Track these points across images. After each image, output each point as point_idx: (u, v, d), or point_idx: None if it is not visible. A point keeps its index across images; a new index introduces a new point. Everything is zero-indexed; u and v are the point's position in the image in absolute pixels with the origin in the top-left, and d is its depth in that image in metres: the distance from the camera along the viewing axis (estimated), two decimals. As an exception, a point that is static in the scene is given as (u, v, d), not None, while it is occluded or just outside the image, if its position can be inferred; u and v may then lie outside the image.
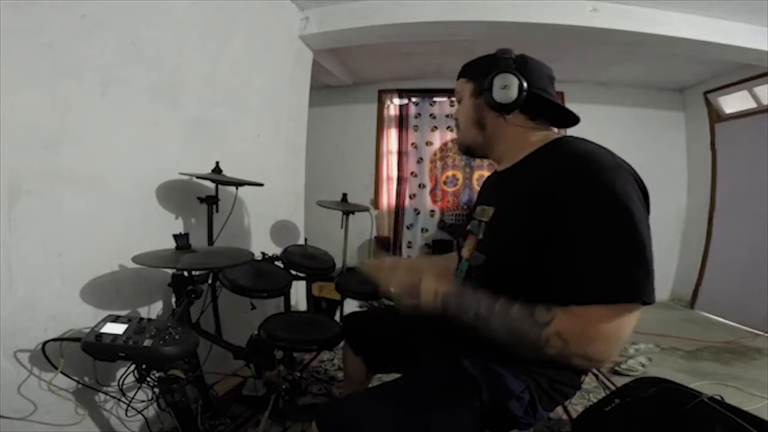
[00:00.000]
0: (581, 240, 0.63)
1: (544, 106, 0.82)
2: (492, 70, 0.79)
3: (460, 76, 0.91)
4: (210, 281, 1.39)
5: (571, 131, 0.89)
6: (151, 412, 1.16)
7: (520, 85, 0.77)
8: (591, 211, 0.63)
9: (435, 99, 3.87)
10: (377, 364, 1.10)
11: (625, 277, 0.60)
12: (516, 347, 0.67)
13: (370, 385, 1.14)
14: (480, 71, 0.83)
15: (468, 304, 0.71)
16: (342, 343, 1.20)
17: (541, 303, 0.68)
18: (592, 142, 0.73)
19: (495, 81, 0.78)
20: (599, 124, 3.49)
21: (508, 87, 0.77)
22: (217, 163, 1.43)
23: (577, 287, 0.62)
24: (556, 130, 0.89)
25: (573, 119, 0.86)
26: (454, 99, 0.92)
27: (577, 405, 1.63)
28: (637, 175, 0.68)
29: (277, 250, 1.74)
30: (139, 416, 1.09)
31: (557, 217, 0.66)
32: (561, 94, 3.65)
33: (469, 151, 0.92)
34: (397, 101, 3.96)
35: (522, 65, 0.80)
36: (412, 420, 0.71)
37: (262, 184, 1.59)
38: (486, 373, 0.75)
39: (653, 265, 0.61)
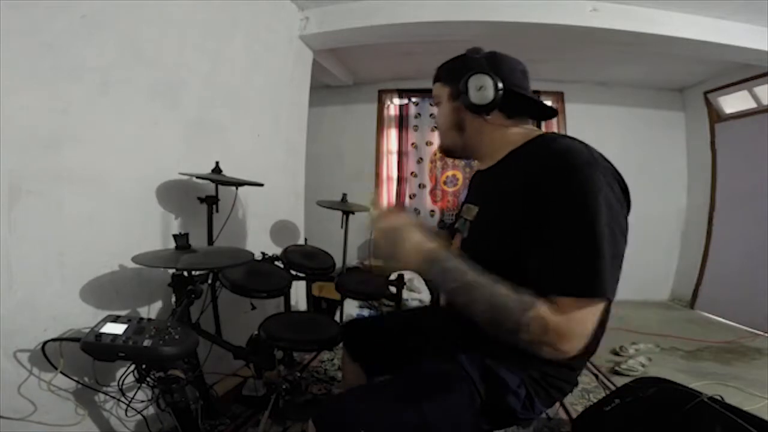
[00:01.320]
0: (552, 232, 0.64)
1: (520, 101, 0.82)
2: (465, 72, 0.79)
3: (436, 80, 0.90)
4: (210, 281, 1.39)
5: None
6: (150, 412, 1.16)
7: (495, 85, 0.77)
8: (565, 204, 0.63)
9: (435, 99, 3.87)
10: (375, 371, 1.10)
11: (586, 271, 0.60)
12: (491, 326, 0.64)
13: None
14: (454, 74, 0.83)
15: (454, 269, 0.67)
16: (341, 345, 1.20)
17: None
18: (571, 138, 0.73)
19: (470, 83, 0.78)
20: (599, 124, 3.52)
21: (483, 88, 0.77)
22: (217, 163, 1.43)
23: (548, 278, 0.62)
24: (534, 123, 0.89)
25: (550, 112, 0.86)
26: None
27: (577, 405, 1.63)
28: (615, 169, 0.68)
29: (277, 250, 1.74)
30: (139, 416, 1.08)
31: (541, 210, 0.66)
32: (561, 94, 3.65)
33: (449, 152, 0.93)
34: (397, 101, 3.96)
35: (494, 64, 0.79)
36: (409, 417, 0.70)
37: (262, 184, 1.59)
38: (482, 369, 0.75)
39: (619, 261, 0.62)
